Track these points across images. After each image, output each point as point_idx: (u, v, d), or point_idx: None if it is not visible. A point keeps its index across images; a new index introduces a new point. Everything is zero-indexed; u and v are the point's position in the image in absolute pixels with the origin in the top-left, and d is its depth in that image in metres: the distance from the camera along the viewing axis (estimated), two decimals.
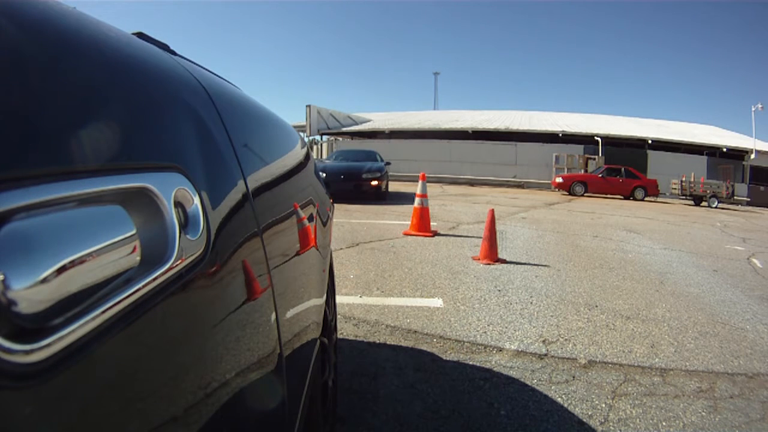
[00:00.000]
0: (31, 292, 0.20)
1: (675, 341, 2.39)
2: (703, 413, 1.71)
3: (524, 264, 3.88)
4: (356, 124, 23.65)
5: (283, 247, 0.63)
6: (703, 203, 14.85)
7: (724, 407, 1.77)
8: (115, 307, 0.25)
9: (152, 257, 0.29)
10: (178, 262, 0.31)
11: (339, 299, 2.62)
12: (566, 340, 2.29)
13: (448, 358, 2.00)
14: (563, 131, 19.65)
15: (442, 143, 19.96)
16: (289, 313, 0.61)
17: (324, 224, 1.19)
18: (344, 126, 22.92)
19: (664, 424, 1.61)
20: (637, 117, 26.37)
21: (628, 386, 1.87)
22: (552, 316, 2.63)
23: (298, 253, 0.73)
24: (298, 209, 0.79)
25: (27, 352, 0.19)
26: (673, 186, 15.71)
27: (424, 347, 2.10)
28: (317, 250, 0.96)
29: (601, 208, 10.59)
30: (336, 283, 2.76)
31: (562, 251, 4.64)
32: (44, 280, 0.20)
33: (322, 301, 0.96)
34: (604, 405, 1.69)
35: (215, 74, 0.69)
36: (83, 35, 0.31)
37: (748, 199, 17.61)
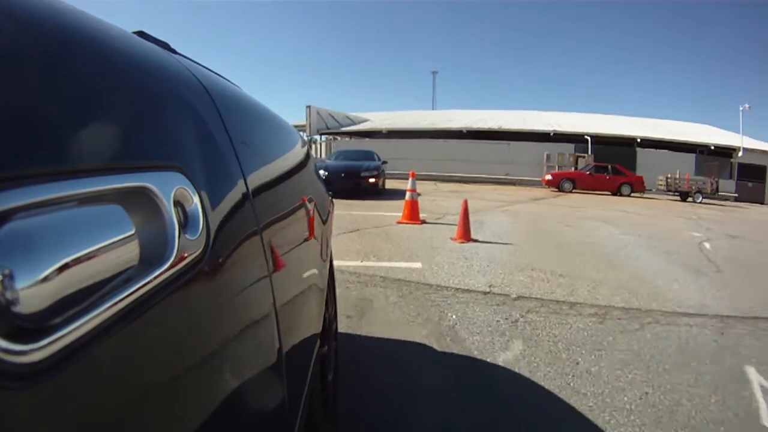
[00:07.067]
0: (31, 291, 0.20)
1: (592, 290, 3.05)
2: (590, 323, 2.40)
3: (492, 243, 4.56)
4: (354, 123, 23.61)
5: (282, 246, 0.63)
6: (689, 199, 15.01)
7: (609, 322, 2.44)
8: (114, 306, 0.25)
9: (152, 257, 0.29)
10: (177, 262, 0.31)
11: (345, 264, 3.40)
12: (507, 286, 3.05)
13: (420, 292, 2.86)
14: (554, 131, 19.74)
15: (437, 142, 19.98)
16: (290, 312, 0.61)
17: (324, 223, 1.19)
18: (343, 126, 22.89)
19: (556, 325, 2.34)
20: (629, 116, 26.39)
21: (541, 308, 2.63)
22: (501, 273, 3.38)
23: (298, 252, 0.73)
24: (298, 208, 0.79)
25: (27, 352, 0.19)
26: (660, 183, 15.82)
27: (404, 288, 2.92)
28: (317, 248, 0.96)
29: (585, 203, 10.86)
30: (341, 254, 3.67)
31: (529, 235, 5.24)
32: (44, 280, 0.20)
33: (322, 299, 0.96)
34: (517, 315, 2.50)
35: (216, 73, 0.69)
36: (83, 34, 0.31)
37: (736, 195, 17.72)
